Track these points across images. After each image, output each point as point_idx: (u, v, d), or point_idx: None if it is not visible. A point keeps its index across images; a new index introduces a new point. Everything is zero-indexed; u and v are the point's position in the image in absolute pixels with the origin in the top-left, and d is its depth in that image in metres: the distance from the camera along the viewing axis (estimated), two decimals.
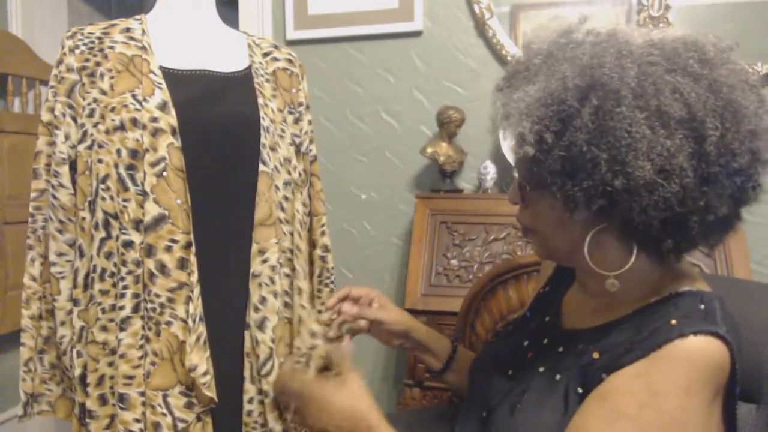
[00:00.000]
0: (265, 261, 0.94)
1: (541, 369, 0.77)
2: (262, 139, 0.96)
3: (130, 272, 0.88)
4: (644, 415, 0.64)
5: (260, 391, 0.94)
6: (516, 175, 0.79)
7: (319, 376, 0.81)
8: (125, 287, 0.88)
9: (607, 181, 0.64)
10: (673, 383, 0.63)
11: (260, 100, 0.98)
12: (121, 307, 0.88)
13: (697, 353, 0.64)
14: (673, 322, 0.66)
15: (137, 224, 0.87)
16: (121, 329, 0.88)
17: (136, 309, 0.88)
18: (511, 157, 0.78)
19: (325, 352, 0.83)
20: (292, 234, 1.00)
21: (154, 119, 0.88)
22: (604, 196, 0.65)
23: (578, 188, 0.66)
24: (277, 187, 0.97)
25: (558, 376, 0.74)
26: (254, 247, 0.94)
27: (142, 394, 0.87)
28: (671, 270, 0.74)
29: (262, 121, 0.97)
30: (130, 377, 0.87)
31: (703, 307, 0.68)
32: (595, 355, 0.71)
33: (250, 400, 0.94)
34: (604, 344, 0.72)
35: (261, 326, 0.94)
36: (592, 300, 0.80)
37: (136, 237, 0.87)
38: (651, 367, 0.65)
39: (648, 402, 0.64)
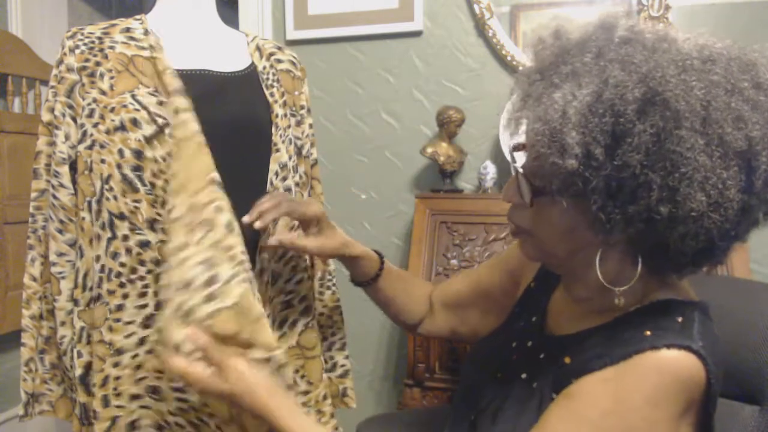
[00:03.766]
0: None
1: (524, 375, 0.76)
2: (282, 146, 0.97)
3: (149, 271, 0.89)
4: (606, 422, 0.62)
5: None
6: (519, 171, 0.70)
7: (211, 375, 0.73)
8: (146, 286, 0.89)
9: (653, 208, 0.60)
10: (640, 393, 0.62)
11: (270, 99, 0.99)
12: (145, 306, 0.89)
13: (668, 366, 0.62)
14: (647, 332, 0.65)
15: (152, 224, 0.88)
16: (146, 326, 0.89)
17: (159, 306, 0.88)
18: (521, 158, 0.72)
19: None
20: None
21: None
22: (644, 222, 0.61)
23: (620, 210, 0.61)
24: (288, 189, 0.99)
25: (535, 384, 0.73)
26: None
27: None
28: (657, 279, 0.71)
29: (274, 119, 0.98)
30: (161, 371, 0.88)
31: (680, 319, 0.66)
32: (567, 360, 0.71)
33: None
34: (578, 349, 0.70)
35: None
36: (575, 305, 0.78)
37: (152, 236, 0.88)
38: (619, 375, 0.63)
39: (612, 409, 0.62)
